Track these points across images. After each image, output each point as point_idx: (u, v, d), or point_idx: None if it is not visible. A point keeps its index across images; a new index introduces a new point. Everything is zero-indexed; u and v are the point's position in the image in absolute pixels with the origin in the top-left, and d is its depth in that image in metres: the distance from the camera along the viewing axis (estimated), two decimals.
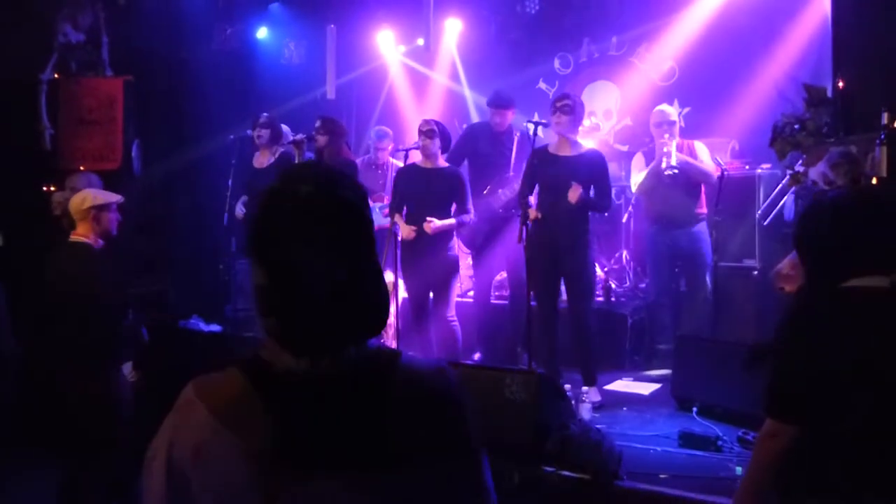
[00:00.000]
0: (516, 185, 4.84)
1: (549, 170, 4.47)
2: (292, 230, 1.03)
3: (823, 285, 1.85)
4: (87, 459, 3.31)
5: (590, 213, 4.52)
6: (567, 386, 4.13)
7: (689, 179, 4.98)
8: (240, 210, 5.54)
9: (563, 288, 4.64)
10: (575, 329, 4.50)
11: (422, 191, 4.67)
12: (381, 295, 1.10)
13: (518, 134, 5.26)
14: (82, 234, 3.37)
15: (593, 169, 4.44)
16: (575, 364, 4.60)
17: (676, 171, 4.85)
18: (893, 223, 1.86)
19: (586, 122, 5.78)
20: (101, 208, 3.39)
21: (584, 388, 4.38)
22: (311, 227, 1.03)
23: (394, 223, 4.77)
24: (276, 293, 1.05)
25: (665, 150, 4.90)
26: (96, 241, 3.38)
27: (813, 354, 1.77)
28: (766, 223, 5.17)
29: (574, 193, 4.33)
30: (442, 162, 4.78)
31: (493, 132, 5.18)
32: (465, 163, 5.23)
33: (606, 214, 5.25)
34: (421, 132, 4.75)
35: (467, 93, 7.34)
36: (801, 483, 1.82)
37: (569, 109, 4.41)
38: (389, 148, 6.22)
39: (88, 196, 3.43)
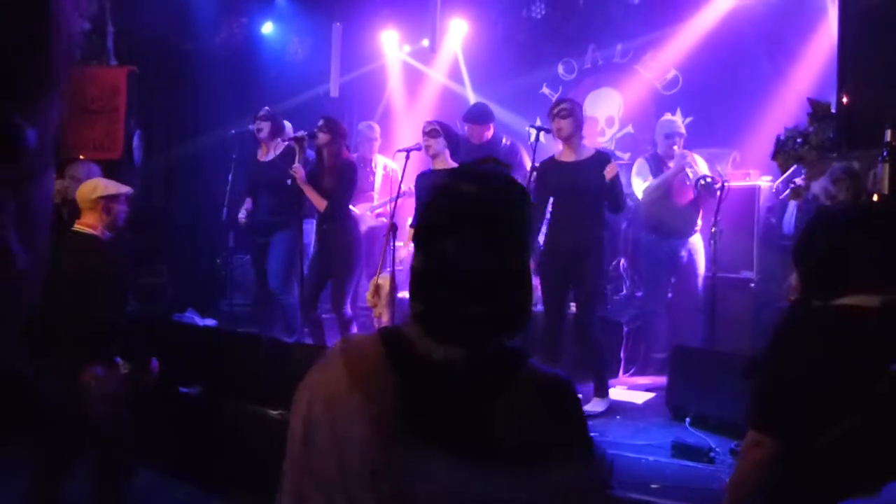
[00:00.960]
0: None
1: (557, 178, 4.43)
2: (451, 224, 1.13)
3: (814, 301, 1.86)
4: (70, 450, 3.28)
5: (604, 220, 4.48)
6: None
7: (701, 191, 5.01)
8: (242, 215, 5.48)
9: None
10: (581, 339, 4.48)
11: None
12: (524, 296, 1.16)
13: (507, 143, 5.25)
14: (89, 224, 3.28)
15: (598, 171, 4.39)
16: (577, 371, 4.61)
17: (710, 178, 4.89)
18: (887, 241, 1.86)
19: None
20: (112, 199, 3.33)
21: (594, 399, 4.39)
22: (468, 223, 1.12)
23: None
24: (427, 278, 1.15)
25: (686, 160, 4.94)
26: (103, 233, 3.31)
27: (796, 370, 1.78)
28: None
29: (612, 171, 4.24)
30: (451, 162, 4.76)
31: (470, 145, 5.17)
32: None
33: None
34: (423, 133, 4.76)
35: (471, 95, 7.33)
36: (783, 494, 1.83)
37: (566, 113, 4.35)
38: (377, 144, 6.22)
39: (100, 185, 3.36)
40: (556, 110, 4.40)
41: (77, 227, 3.29)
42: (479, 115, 5.16)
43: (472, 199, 1.14)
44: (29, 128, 0.59)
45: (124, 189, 3.42)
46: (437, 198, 1.17)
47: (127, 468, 3.36)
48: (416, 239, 1.18)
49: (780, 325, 1.94)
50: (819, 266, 1.87)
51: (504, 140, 5.30)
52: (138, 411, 3.46)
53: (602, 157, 4.46)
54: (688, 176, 4.98)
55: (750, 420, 1.85)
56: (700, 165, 5.17)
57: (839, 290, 1.83)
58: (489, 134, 5.19)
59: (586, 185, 4.30)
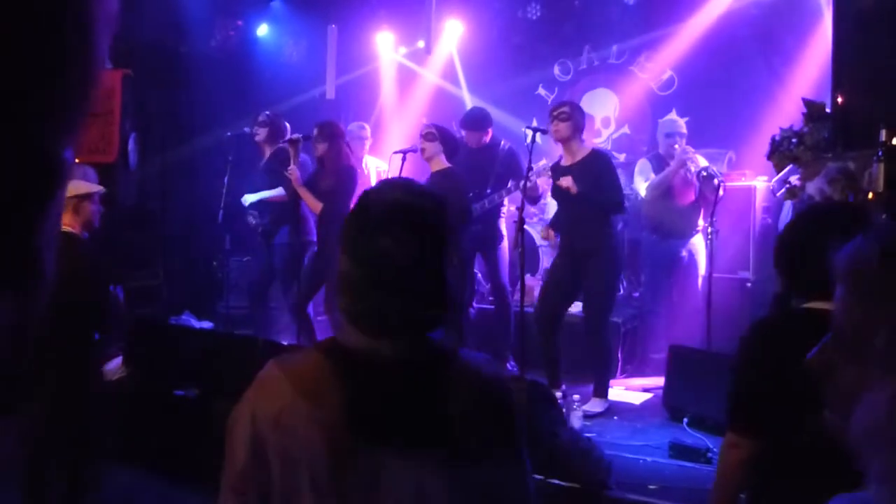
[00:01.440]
0: (496, 197, 4.92)
1: (557, 181, 4.50)
2: (376, 226, 1.18)
3: (790, 302, 1.89)
4: (56, 459, 3.26)
5: (609, 220, 4.50)
6: (558, 394, 4.12)
7: (700, 191, 5.03)
8: (252, 221, 5.51)
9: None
10: (591, 339, 4.49)
11: None
12: (442, 290, 1.20)
13: (507, 147, 5.26)
14: (67, 224, 3.33)
15: (594, 171, 4.41)
16: (577, 371, 4.62)
17: (713, 169, 4.92)
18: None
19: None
20: (82, 199, 3.34)
21: (593, 399, 4.40)
22: (392, 226, 1.17)
23: None
24: (354, 278, 1.19)
25: (687, 155, 4.97)
26: (81, 233, 3.34)
27: (769, 371, 1.79)
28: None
29: (566, 183, 4.32)
30: (443, 164, 4.80)
31: (469, 150, 5.19)
32: None
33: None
34: (420, 135, 4.80)
35: (466, 96, 7.33)
36: (766, 494, 1.84)
37: (565, 116, 4.39)
38: (367, 144, 6.23)
39: (71, 185, 3.39)
40: (555, 112, 4.45)
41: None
42: (475, 121, 5.17)
43: (396, 203, 1.20)
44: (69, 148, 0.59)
45: (95, 189, 3.42)
46: (364, 204, 1.23)
47: (93, 477, 3.34)
48: (342, 242, 1.23)
49: (757, 325, 1.96)
50: (794, 268, 1.88)
51: (503, 143, 5.30)
52: (133, 414, 3.45)
53: (596, 157, 4.48)
54: (689, 170, 5.00)
55: (727, 421, 1.88)
56: (700, 163, 5.19)
57: (814, 292, 1.84)
58: (487, 138, 5.20)
59: (580, 186, 4.33)
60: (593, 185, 4.34)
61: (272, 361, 1.24)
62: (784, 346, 1.78)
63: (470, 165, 5.07)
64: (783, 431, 1.80)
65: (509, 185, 4.87)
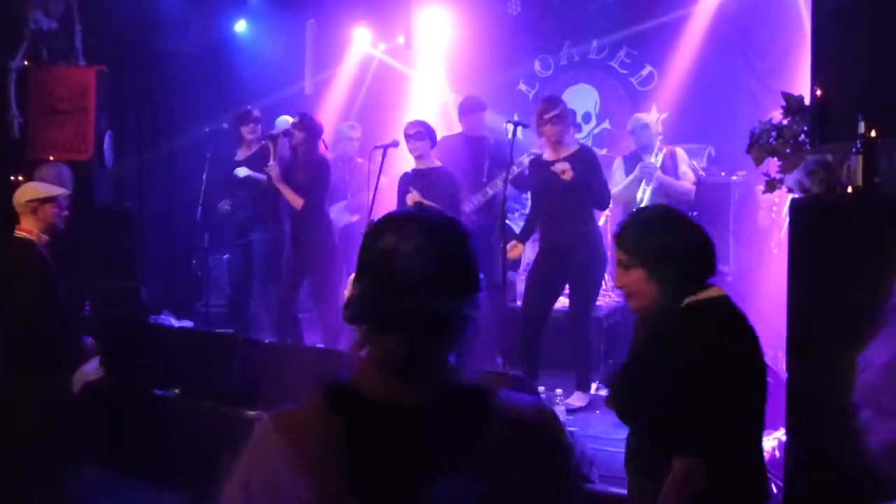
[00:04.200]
0: (489, 190, 4.87)
1: (542, 176, 4.47)
2: (398, 286, 1.03)
3: (680, 300, 1.89)
4: (33, 473, 3.19)
5: (593, 216, 4.51)
6: (541, 388, 4.12)
7: (665, 196, 4.99)
8: (225, 206, 5.46)
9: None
10: (574, 335, 4.50)
11: (419, 192, 4.68)
12: (465, 332, 1.08)
13: (493, 140, 5.27)
14: (26, 229, 3.23)
15: (580, 167, 4.41)
16: (559, 366, 4.63)
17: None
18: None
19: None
20: (43, 201, 3.25)
21: (576, 393, 4.41)
22: (421, 280, 1.04)
23: None
24: (379, 308, 1.05)
25: (648, 172, 4.95)
26: (39, 237, 3.23)
27: (703, 375, 1.76)
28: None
29: (561, 167, 4.28)
30: (432, 162, 4.82)
31: (465, 138, 5.19)
32: None
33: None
34: (408, 135, 4.79)
35: (446, 92, 7.32)
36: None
37: (557, 120, 4.40)
38: (357, 143, 6.19)
39: (30, 189, 3.31)
40: (547, 116, 4.39)
41: (16, 232, 3.24)
42: (474, 103, 5.20)
43: (416, 255, 1.06)
44: None
45: (58, 191, 3.33)
46: (380, 260, 1.08)
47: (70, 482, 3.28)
48: (366, 300, 1.07)
49: (657, 334, 1.91)
50: (679, 262, 1.89)
51: (490, 136, 5.31)
52: (112, 415, 3.40)
53: (585, 153, 4.49)
54: (637, 193, 4.99)
55: (681, 445, 1.77)
56: (681, 161, 5.20)
57: (699, 284, 1.90)
58: (481, 124, 5.23)
59: (565, 183, 4.33)
60: (578, 180, 4.35)
61: (268, 418, 1.07)
62: (704, 346, 1.82)
63: (466, 155, 5.06)
64: (738, 432, 1.82)
65: (504, 175, 4.84)
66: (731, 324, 1.89)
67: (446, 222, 1.12)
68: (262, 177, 5.26)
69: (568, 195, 4.35)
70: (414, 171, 4.89)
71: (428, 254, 1.05)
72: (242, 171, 5.35)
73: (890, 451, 0.74)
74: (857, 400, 0.78)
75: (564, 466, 1.12)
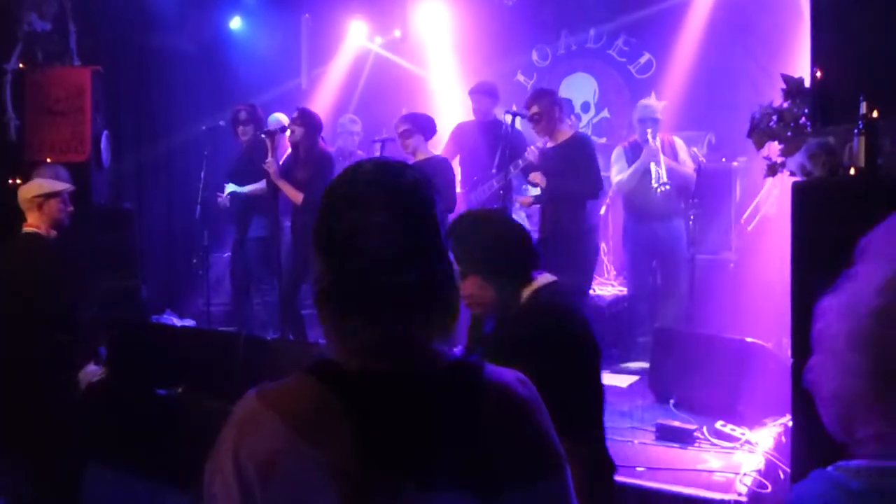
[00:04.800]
0: (495, 183, 4.87)
1: (539, 163, 4.48)
2: (357, 222, 1.00)
3: (518, 294, 1.99)
4: (40, 470, 3.19)
5: (584, 206, 4.48)
6: None
7: (673, 181, 4.99)
8: (223, 200, 5.48)
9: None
10: None
11: None
12: (454, 296, 1.06)
13: (508, 127, 5.27)
14: (33, 225, 3.26)
15: (572, 154, 4.39)
16: None
17: (668, 186, 4.86)
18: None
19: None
20: (48, 197, 3.28)
21: None
22: (377, 211, 1.00)
23: None
24: (338, 285, 1.01)
25: (654, 157, 4.90)
26: (48, 232, 3.27)
27: (554, 357, 1.83)
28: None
29: (535, 178, 4.33)
30: (426, 154, 4.81)
31: (478, 123, 5.19)
32: (458, 158, 5.27)
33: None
34: (398, 135, 4.81)
35: (443, 84, 7.28)
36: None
37: (538, 118, 4.44)
38: (357, 138, 6.18)
39: (35, 185, 3.34)
40: (530, 114, 4.46)
41: (24, 229, 3.27)
42: (489, 87, 5.19)
43: (377, 185, 1.03)
44: None
45: (61, 187, 3.36)
46: (335, 199, 1.05)
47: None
48: (318, 241, 1.04)
49: (518, 332, 1.95)
50: (504, 262, 1.98)
51: (505, 124, 5.30)
52: (116, 414, 3.39)
53: (574, 142, 4.46)
54: (652, 174, 4.95)
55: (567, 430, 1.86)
56: (681, 150, 5.17)
57: (528, 276, 2.01)
58: (495, 108, 5.24)
59: (559, 170, 4.32)
60: (570, 168, 4.33)
61: (253, 394, 1.01)
62: (559, 332, 1.96)
63: (482, 140, 5.05)
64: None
65: (508, 168, 4.82)
66: (569, 305, 2.03)
67: (409, 186, 1.04)
68: (245, 191, 5.30)
69: (553, 188, 4.39)
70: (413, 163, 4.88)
71: (392, 232, 1.00)
72: (231, 188, 5.39)
73: (835, 394, 0.74)
74: (812, 344, 0.78)
75: (549, 431, 1.08)
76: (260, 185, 5.30)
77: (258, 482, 0.95)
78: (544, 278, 2.04)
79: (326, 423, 0.96)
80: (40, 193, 3.27)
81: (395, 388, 0.99)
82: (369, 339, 1.00)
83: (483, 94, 5.18)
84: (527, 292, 1.99)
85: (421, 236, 1.02)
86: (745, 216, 5.24)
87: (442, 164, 4.76)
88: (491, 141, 5.03)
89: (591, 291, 5.55)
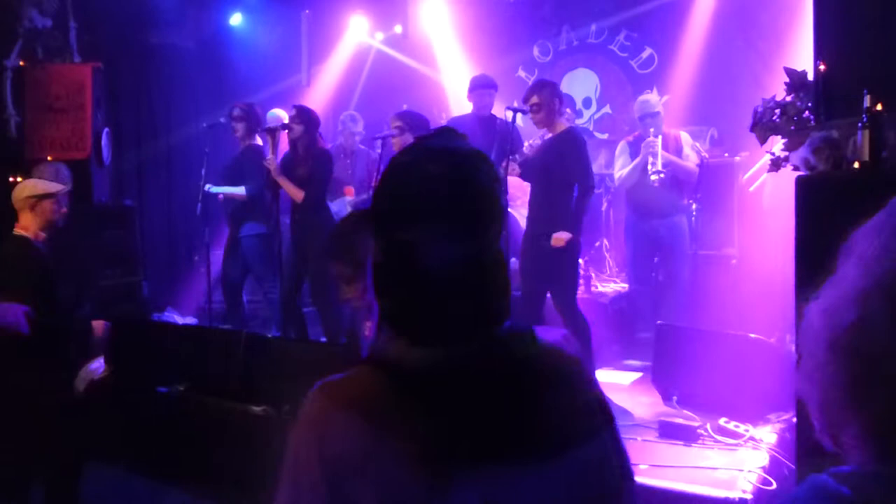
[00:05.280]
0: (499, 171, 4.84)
1: (534, 156, 4.49)
2: (420, 209, 0.99)
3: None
4: (38, 472, 3.18)
5: (569, 201, 4.44)
6: None
7: (673, 177, 4.97)
8: (220, 196, 5.47)
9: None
10: (566, 321, 4.44)
11: None
12: (505, 283, 1.04)
13: (500, 121, 5.25)
14: (23, 226, 3.23)
15: (564, 148, 4.34)
16: None
17: (663, 174, 4.84)
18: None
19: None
20: (41, 198, 3.24)
21: None
22: (441, 209, 0.98)
23: None
24: (400, 277, 1.00)
25: (651, 150, 4.88)
26: (37, 234, 3.23)
27: None
28: None
29: (557, 241, 4.24)
30: None
31: (476, 118, 5.16)
32: None
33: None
34: (390, 129, 4.79)
35: (445, 80, 7.26)
36: None
37: (537, 108, 4.39)
38: (359, 136, 6.16)
39: (28, 185, 3.31)
40: (529, 104, 4.41)
41: (14, 230, 3.24)
42: (485, 80, 5.17)
43: (440, 180, 0.99)
44: None
45: (55, 188, 3.32)
46: (398, 181, 1.02)
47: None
48: (377, 231, 1.03)
49: None
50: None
51: (499, 118, 5.29)
52: (117, 412, 3.38)
53: (565, 136, 4.40)
54: (649, 165, 4.93)
55: None
56: (686, 144, 5.14)
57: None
58: (492, 101, 5.25)
59: (548, 163, 4.30)
60: (557, 163, 4.30)
61: (318, 392, 1.01)
62: None
63: (477, 134, 5.03)
64: None
65: (504, 163, 4.80)
66: None
67: (475, 174, 1.02)
68: (237, 190, 5.28)
69: (544, 178, 4.35)
70: None
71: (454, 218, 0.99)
72: (214, 189, 5.35)
73: (821, 403, 0.73)
74: (798, 348, 0.77)
75: (597, 384, 1.12)
76: (237, 191, 5.29)
77: (344, 479, 0.96)
78: None
79: (397, 413, 0.97)
80: (33, 194, 3.24)
81: (457, 370, 1.00)
82: (427, 324, 1.00)
83: (486, 87, 5.18)
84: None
85: (479, 217, 1.01)
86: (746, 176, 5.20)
87: None
88: (486, 136, 5.01)
89: (592, 289, 5.56)
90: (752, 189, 4.94)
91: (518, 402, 1.01)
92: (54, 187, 3.33)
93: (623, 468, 1.10)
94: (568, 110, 4.69)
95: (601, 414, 1.08)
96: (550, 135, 4.48)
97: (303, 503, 0.98)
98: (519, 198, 6.07)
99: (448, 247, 0.98)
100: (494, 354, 1.02)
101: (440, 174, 0.99)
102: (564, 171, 4.28)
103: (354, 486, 0.96)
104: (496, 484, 0.97)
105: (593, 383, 1.11)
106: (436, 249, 0.98)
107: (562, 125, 4.48)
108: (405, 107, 5.44)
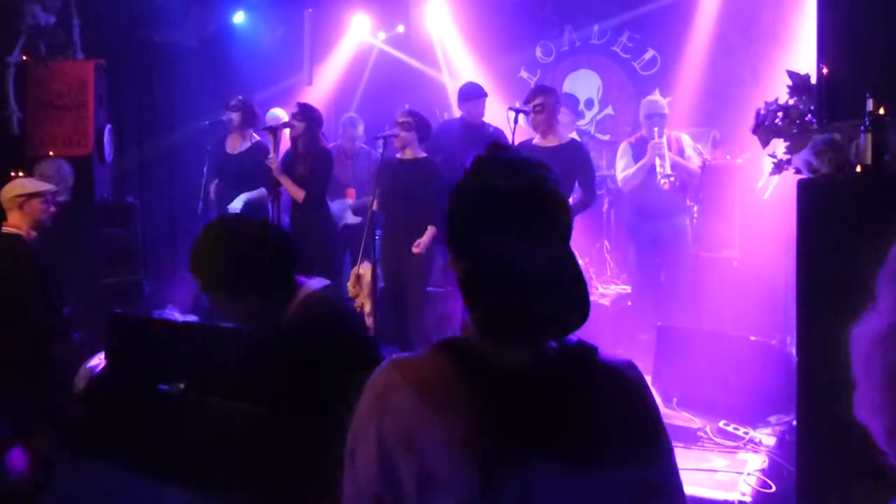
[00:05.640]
0: None
1: None
2: (494, 223, 1.03)
3: (287, 304, 1.96)
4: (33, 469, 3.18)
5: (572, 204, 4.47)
6: None
7: (678, 177, 4.96)
8: (211, 194, 5.48)
9: None
10: None
11: (394, 182, 4.65)
12: (583, 286, 1.08)
13: (492, 128, 5.24)
14: (13, 224, 3.24)
15: (571, 160, 4.37)
16: None
17: (673, 178, 4.84)
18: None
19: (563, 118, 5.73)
20: (30, 197, 3.26)
21: None
22: (514, 219, 1.03)
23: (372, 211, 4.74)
24: (482, 283, 1.05)
25: (659, 151, 4.88)
26: (28, 233, 3.24)
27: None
28: None
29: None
30: (418, 153, 4.78)
31: (465, 125, 5.16)
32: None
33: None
34: (396, 122, 4.76)
35: (447, 80, 7.26)
36: None
37: (541, 108, 4.41)
38: (359, 138, 6.16)
39: (17, 184, 3.33)
40: (532, 104, 4.43)
41: (3, 228, 3.25)
42: (474, 89, 5.17)
43: (509, 193, 1.04)
44: None
45: (45, 187, 3.34)
46: (468, 200, 1.07)
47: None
48: (454, 244, 1.08)
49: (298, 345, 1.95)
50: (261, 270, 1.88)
51: (489, 125, 5.29)
52: (117, 410, 3.38)
53: (573, 149, 4.47)
54: (657, 168, 4.93)
55: None
56: (687, 146, 5.14)
57: (292, 283, 1.94)
58: (483, 109, 5.22)
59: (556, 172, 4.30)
60: (574, 174, 4.34)
61: (390, 365, 1.08)
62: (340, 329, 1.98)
63: (461, 140, 5.03)
64: None
65: None
66: (345, 309, 2.01)
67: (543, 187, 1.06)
68: (259, 193, 5.27)
69: None
70: (396, 159, 4.84)
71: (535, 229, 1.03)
72: (235, 205, 5.30)
73: (889, 429, 0.73)
74: (853, 375, 0.78)
75: (658, 414, 1.16)
76: (259, 193, 5.28)
77: (397, 454, 1.01)
78: (312, 284, 1.93)
79: (456, 397, 1.02)
80: (22, 193, 3.26)
81: (520, 367, 1.05)
82: (501, 321, 1.04)
83: (480, 97, 5.17)
84: (295, 302, 1.88)
85: (556, 224, 1.06)
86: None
87: (431, 167, 4.75)
88: (473, 139, 5.01)
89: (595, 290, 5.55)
90: (766, 197, 4.93)
91: (576, 408, 1.05)
92: (43, 186, 3.35)
93: (676, 499, 1.13)
94: (565, 110, 4.69)
95: (663, 442, 1.13)
96: (544, 142, 4.48)
97: (360, 479, 1.04)
98: None
99: (525, 251, 1.02)
100: (561, 361, 1.08)
101: (508, 186, 1.04)
102: (564, 186, 4.31)
103: (405, 460, 1.01)
104: (539, 482, 1.01)
105: (656, 410, 1.15)
106: (517, 256, 1.02)
107: (561, 133, 4.50)
108: (407, 107, 5.43)
